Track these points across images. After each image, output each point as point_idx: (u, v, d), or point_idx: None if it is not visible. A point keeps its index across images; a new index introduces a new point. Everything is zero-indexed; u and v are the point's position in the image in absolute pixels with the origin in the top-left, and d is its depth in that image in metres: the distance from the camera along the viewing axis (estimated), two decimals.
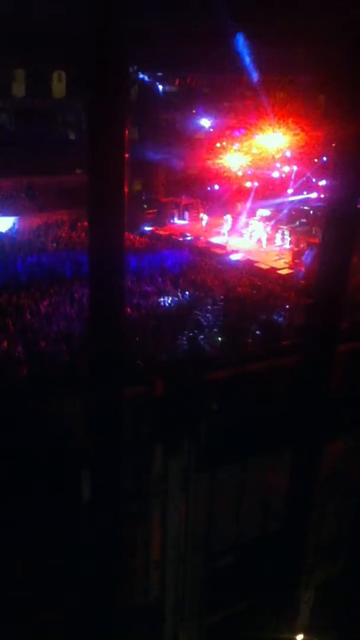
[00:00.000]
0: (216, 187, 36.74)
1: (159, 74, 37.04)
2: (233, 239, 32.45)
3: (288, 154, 33.90)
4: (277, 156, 34.24)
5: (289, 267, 28.59)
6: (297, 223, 33.37)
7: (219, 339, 17.96)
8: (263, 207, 35.13)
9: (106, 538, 9.28)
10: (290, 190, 35.02)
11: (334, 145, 13.03)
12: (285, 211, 34.05)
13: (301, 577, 11.74)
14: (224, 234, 33.17)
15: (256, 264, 28.93)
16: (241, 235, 33.00)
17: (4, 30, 26.19)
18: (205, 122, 37.39)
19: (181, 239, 33.03)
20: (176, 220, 37.04)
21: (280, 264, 29.26)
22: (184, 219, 37.05)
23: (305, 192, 34.78)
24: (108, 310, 8.29)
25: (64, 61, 34.01)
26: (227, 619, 11.51)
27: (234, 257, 29.89)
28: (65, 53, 29.15)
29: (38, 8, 27.21)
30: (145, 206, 36.63)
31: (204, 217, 35.65)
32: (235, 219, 34.54)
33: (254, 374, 10.41)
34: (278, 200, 34.85)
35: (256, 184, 35.96)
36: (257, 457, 10.29)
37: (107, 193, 7.60)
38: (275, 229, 32.74)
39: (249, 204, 35.54)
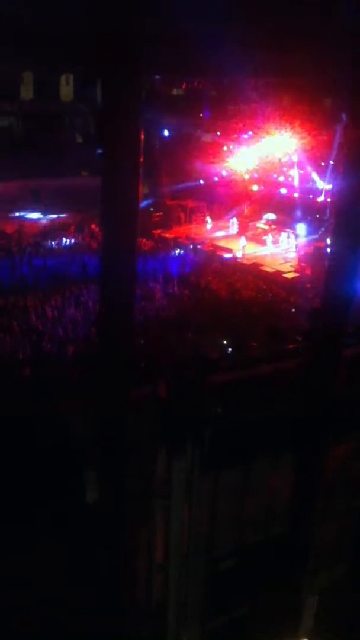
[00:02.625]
0: (222, 190, 36.75)
1: (167, 77, 37.09)
2: (239, 243, 32.40)
3: (295, 157, 33.85)
4: (284, 160, 34.21)
5: (295, 271, 28.58)
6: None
7: (224, 342, 17.94)
8: (269, 210, 35.13)
9: (110, 540, 9.29)
10: (296, 194, 34.96)
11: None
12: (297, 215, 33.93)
13: (304, 580, 11.70)
14: (233, 234, 33.18)
15: (262, 267, 28.95)
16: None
17: (13, 33, 26.30)
18: (212, 126, 37.41)
19: (187, 242, 33.04)
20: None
21: (286, 267, 29.26)
22: (190, 222, 37.06)
23: (311, 196, 34.68)
24: (118, 312, 8.33)
25: (72, 64, 34.13)
26: (230, 622, 11.48)
27: (239, 260, 29.93)
28: (73, 56, 29.26)
29: (48, 11, 27.30)
30: (152, 209, 36.68)
31: (210, 221, 35.73)
32: (241, 223, 34.56)
33: (258, 377, 10.41)
34: (284, 204, 34.80)
35: (262, 187, 35.98)
36: (260, 460, 10.28)
37: (121, 196, 7.65)
38: (280, 232, 32.78)
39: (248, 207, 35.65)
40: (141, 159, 7.63)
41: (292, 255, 30.81)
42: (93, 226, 32.29)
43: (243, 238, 32.16)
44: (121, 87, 7.24)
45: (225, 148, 35.57)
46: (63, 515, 9.72)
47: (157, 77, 35.49)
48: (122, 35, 7.02)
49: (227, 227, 35.02)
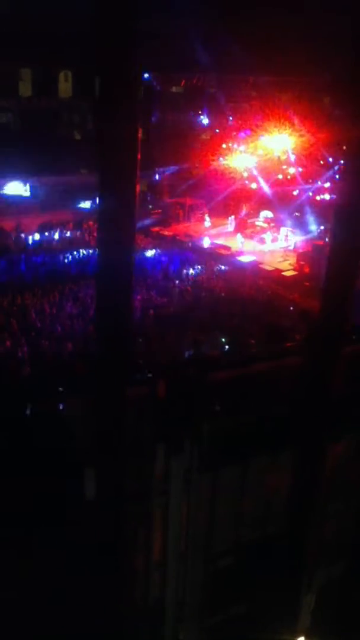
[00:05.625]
0: (221, 188, 36.72)
1: (166, 74, 36.97)
2: (237, 240, 32.36)
3: (292, 156, 33.87)
4: (283, 158, 34.20)
5: (294, 269, 28.57)
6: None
7: (222, 339, 17.94)
8: (267, 208, 35.11)
9: (108, 538, 9.27)
10: (295, 192, 34.98)
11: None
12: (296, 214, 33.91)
13: (302, 578, 11.68)
14: (231, 231, 33.19)
15: (261, 265, 28.95)
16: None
17: (11, 30, 26.24)
18: (211, 123, 37.39)
19: (186, 239, 33.02)
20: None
21: (285, 265, 29.25)
22: (188, 219, 37.00)
23: (310, 193, 34.69)
24: (115, 310, 8.27)
25: (71, 61, 34.06)
26: (228, 620, 11.47)
27: (240, 258, 29.93)
28: (72, 53, 29.19)
29: (46, 8, 27.26)
30: (151, 206, 36.64)
31: (208, 218, 35.72)
32: (239, 220, 34.54)
33: (257, 375, 10.38)
34: (283, 201, 34.77)
35: (260, 185, 35.96)
36: (259, 458, 10.26)
37: (119, 193, 7.60)
38: (278, 230, 32.77)
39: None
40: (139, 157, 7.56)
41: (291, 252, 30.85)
42: (91, 223, 32.26)
43: (239, 235, 32.16)
44: (118, 83, 7.18)
45: (224, 145, 35.53)
46: (61, 513, 9.70)
47: (156, 74, 35.42)
48: (120, 32, 6.98)
49: (225, 225, 35.01)
